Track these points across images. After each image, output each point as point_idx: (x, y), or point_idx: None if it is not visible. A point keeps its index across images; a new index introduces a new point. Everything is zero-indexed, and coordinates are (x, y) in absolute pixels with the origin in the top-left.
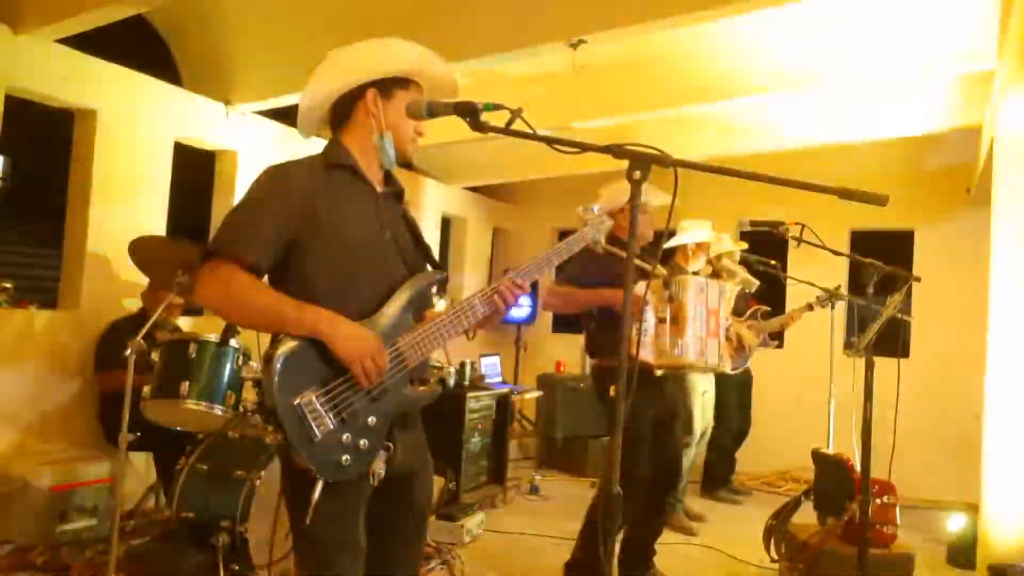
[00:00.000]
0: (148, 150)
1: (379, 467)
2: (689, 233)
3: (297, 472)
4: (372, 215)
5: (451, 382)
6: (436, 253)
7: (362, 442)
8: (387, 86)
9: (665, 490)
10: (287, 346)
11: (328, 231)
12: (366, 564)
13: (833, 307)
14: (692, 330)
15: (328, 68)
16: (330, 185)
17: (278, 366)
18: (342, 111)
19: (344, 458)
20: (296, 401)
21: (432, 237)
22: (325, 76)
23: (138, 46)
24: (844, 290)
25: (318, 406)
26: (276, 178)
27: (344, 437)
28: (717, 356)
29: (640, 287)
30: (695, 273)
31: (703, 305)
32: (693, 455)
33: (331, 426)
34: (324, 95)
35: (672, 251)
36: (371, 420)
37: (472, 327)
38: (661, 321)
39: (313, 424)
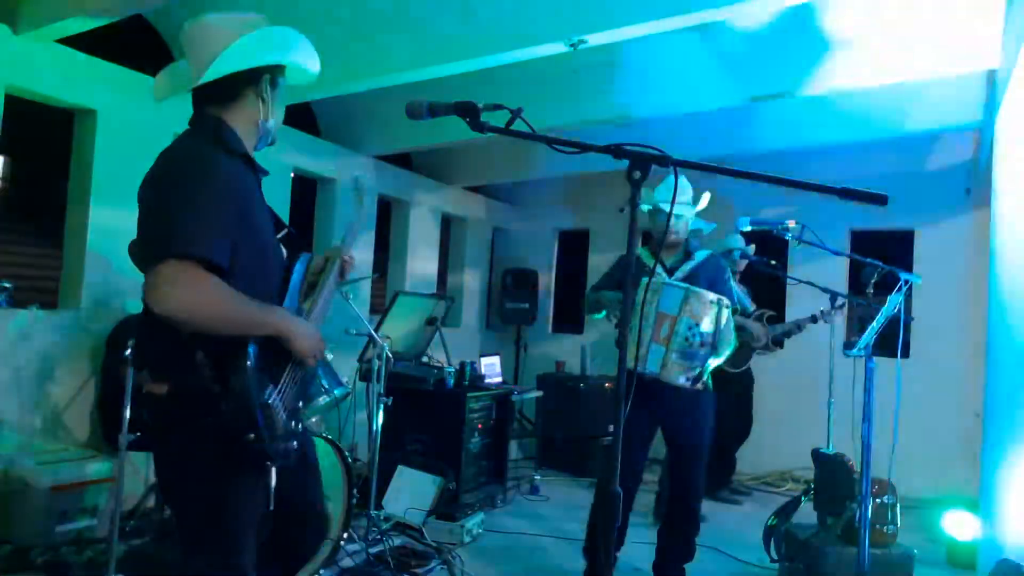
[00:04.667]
0: (148, 150)
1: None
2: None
3: (245, 466)
4: (263, 202)
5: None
6: (436, 253)
7: (299, 426)
8: (276, 74)
9: (676, 507)
10: (252, 350)
11: (253, 230)
12: (284, 516)
13: (834, 312)
14: (635, 332)
15: (228, 45)
16: (244, 179)
17: (250, 371)
18: (229, 88)
19: (293, 444)
20: (265, 400)
21: (432, 237)
22: (233, 50)
23: (138, 46)
24: (842, 299)
25: (277, 401)
26: (214, 174)
27: (292, 425)
28: (659, 365)
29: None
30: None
31: (653, 307)
32: None
33: (284, 417)
34: (215, 72)
35: None
36: (300, 404)
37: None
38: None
39: (275, 419)
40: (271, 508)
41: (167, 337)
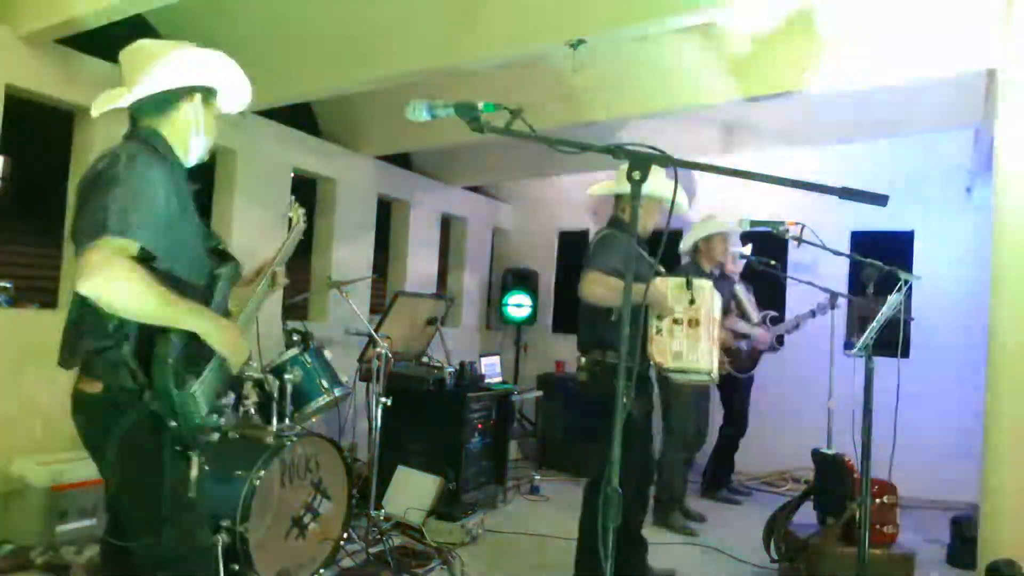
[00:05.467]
0: None
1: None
2: (711, 224)
3: (170, 453)
4: (194, 209)
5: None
6: (436, 253)
7: (222, 420)
8: (208, 94)
9: (640, 487)
10: (173, 342)
11: (179, 227)
12: None
13: (835, 307)
14: (707, 337)
15: (164, 62)
16: (175, 180)
17: (172, 364)
18: (163, 103)
19: (214, 436)
20: (189, 392)
21: (432, 237)
22: (165, 68)
23: None
24: (842, 294)
25: (199, 393)
26: (147, 169)
27: (213, 417)
28: (716, 366)
29: (660, 283)
30: (710, 274)
31: (714, 312)
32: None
33: (205, 409)
34: (152, 85)
35: (694, 248)
36: (223, 400)
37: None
38: (676, 322)
39: (198, 410)
40: (190, 495)
41: (96, 333)
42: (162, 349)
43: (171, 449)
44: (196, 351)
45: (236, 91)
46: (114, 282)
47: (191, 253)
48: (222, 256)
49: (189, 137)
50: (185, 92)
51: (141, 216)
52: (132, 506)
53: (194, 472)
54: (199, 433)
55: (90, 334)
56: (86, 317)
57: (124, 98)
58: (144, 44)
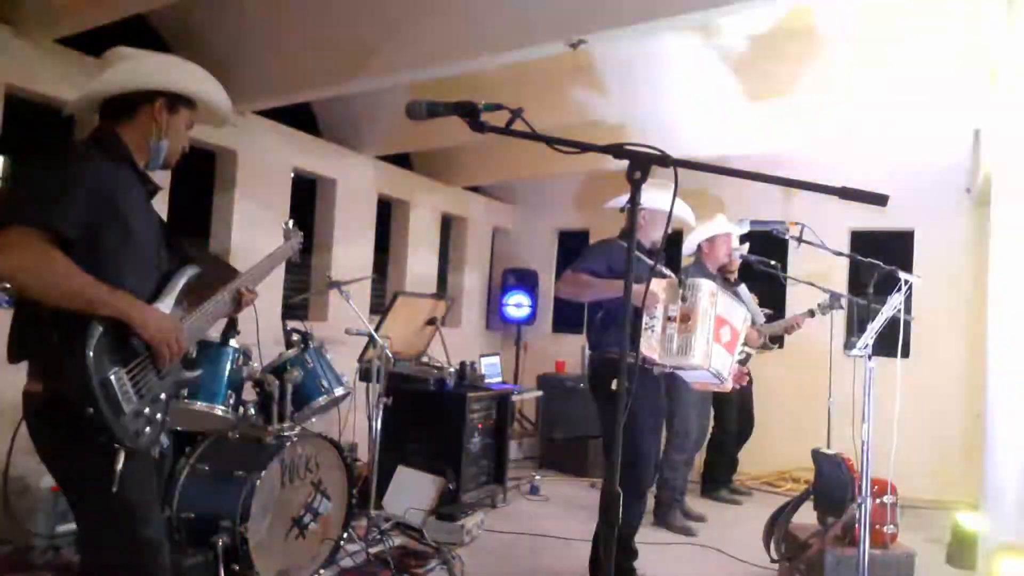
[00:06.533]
0: None
1: (164, 440)
2: (713, 224)
3: (96, 447)
4: (147, 210)
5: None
6: (436, 253)
7: (157, 415)
8: (175, 100)
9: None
10: (96, 327)
11: (120, 220)
12: None
13: (833, 310)
14: (701, 332)
15: (128, 64)
16: (119, 176)
17: (91, 347)
18: (125, 106)
19: (146, 429)
20: (109, 377)
21: (432, 237)
22: (124, 70)
23: (138, 46)
24: (843, 295)
25: (126, 382)
26: (78, 158)
27: (145, 411)
28: (723, 367)
29: (653, 283)
30: (713, 278)
31: (713, 309)
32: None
33: (134, 401)
34: (116, 86)
35: (698, 249)
36: (162, 396)
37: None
38: (670, 319)
39: (121, 399)
40: (114, 490)
41: (35, 324)
42: (83, 331)
43: (89, 439)
44: (127, 344)
45: (210, 100)
46: (27, 260)
47: (132, 251)
48: (181, 257)
49: (148, 142)
50: (145, 98)
51: (61, 201)
52: (71, 506)
53: (119, 466)
54: (128, 423)
55: (29, 326)
56: (26, 309)
57: (78, 96)
58: (119, 51)
